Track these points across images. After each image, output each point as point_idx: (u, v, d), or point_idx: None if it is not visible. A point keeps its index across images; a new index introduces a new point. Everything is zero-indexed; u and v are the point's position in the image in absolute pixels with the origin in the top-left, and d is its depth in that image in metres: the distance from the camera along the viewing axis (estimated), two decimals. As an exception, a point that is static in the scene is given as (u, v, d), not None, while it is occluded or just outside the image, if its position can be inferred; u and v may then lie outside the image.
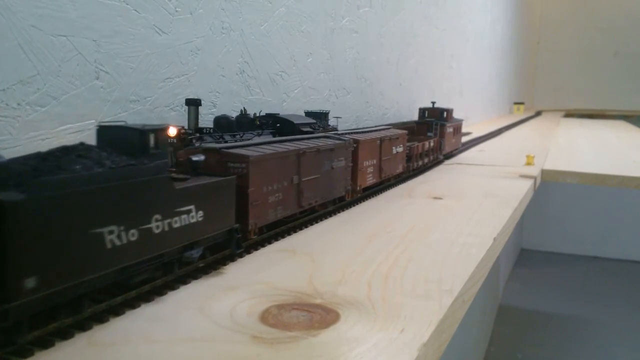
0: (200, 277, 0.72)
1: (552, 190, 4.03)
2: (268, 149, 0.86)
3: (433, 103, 1.98)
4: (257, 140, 0.94)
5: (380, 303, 0.66)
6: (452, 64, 3.37)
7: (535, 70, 8.06)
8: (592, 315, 3.37)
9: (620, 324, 3.28)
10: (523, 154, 2.03)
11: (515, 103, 6.08)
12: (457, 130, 2.13)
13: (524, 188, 1.48)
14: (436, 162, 1.85)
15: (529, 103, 7.23)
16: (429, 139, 1.74)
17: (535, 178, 1.67)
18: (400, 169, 1.46)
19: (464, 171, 1.77)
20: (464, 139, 2.71)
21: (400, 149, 1.44)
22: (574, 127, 4.47)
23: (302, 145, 0.96)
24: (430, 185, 1.50)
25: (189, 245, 0.68)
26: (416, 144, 1.60)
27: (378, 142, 1.28)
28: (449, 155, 2.05)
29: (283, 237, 0.93)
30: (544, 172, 1.85)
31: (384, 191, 1.37)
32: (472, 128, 3.50)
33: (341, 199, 1.13)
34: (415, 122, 1.87)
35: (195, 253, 0.70)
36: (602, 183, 1.81)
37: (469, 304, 0.77)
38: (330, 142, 1.06)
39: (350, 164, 1.14)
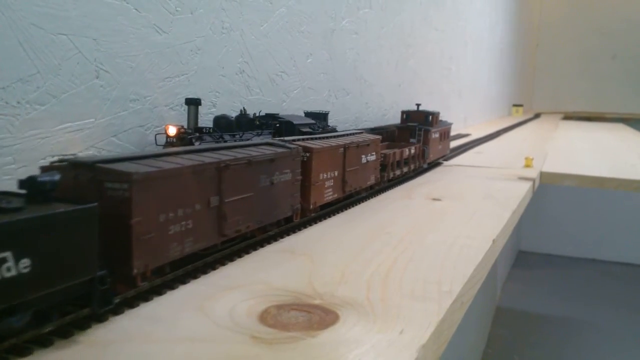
0: (200, 276, 0.72)
1: (549, 193, 4.04)
2: (169, 163, 0.65)
3: (418, 105, 1.79)
4: (162, 150, 0.77)
5: (380, 304, 0.66)
6: (451, 65, 3.37)
7: (534, 73, 8.07)
8: (589, 318, 3.38)
9: (618, 326, 3.28)
10: (522, 156, 2.04)
11: (514, 105, 6.09)
12: (445, 135, 1.93)
13: (522, 190, 1.48)
14: (419, 172, 1.68)
15: (527, 105, 7.23)
16: (411, 145, 1.57)
17: (534, 180, 1.67)
18: (372, 181, 1.27)
19: (462, 173, 1.77)
20: (463, 141, 2.71)
21: (372, 157, 1.24)
22: (573, 129, 4.48)
23: (226, 156, 0.75)
24: (429, 186, 1.50)
25: (5, 310, 0.47)
26: (393, 151, 1.42)
27: (341, 150, 1.09)
28: (434, 164, 1.88)
29: (282, 237, 0.92)
30: (543, 175, 1.86)
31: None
32: (471, 130, 3.50)
33: (288, 219, 0.94)
34: (397, 126, 1.69)
35: (17, 321, 0.49)
36: (601, 186, 1.81)
37: (467, 305, 0.77)
38: (269, 151, 0.85)
39: (300, 178, 0.94)
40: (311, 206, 0.99)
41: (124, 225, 0.58)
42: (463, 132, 3.28)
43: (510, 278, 4.02)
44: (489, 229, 1.05)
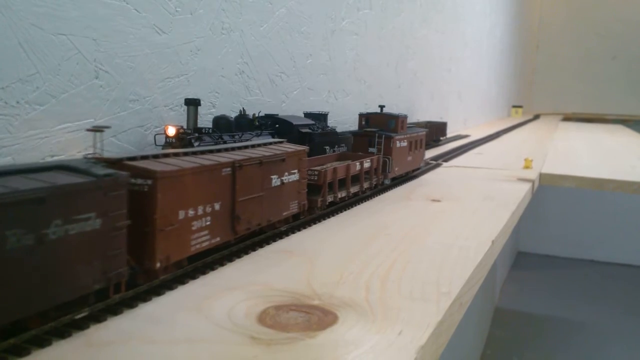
0: (198, 277, 0.72)
1: (548, 194, 4.04)
2: None
3: (381, 107, 1.45)
4: None
5: (378, 305, 0.66)
6: (450, 66, 3.37)
7: (533, 74, 8.07)
8: (588, 319, 3.38)
9: (617, 327, 3.28)
10: (521, 157, 2.04)
11: (514, 106, 6.09)
12: (416, 144, 1.56)
13: (522, 191, 1.48)
14: (378, 190, 1.33)
15: (527, 106, 7.24)
16: (366, 156, 1.25)
17: (533, 181, 1.67)
18: (293, 209, 0.94)
19: (462, 174, 1.77)
20: (463, 142, 2.71)
21: (292, 177, 0.92)
22: (572, 131, 4.48)
23: None
24: (428, 187, 1.50)
25: None
26: (332, 166, 1.11)
27: (226, 170, 0.74)
28: (403, 179, 1.53)
29: (281, 237, 0.92)
30: (542, 176, 1.86)
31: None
32: (471, 131, 3.50)
33: (102, 294, 0.58)
34: (352, 133, 1.39)
35: None
36: (600, 187, 1.81)
37: (466, 306, 0.77)
38: (36, 184, 0.49)
39: (124, 223, 0.58)
40: (158, 264, 0.63)
41: None
42: (462, 133, 3.28)
43: (509, 279, 4.02)
44: (488, 230, 1.05)
